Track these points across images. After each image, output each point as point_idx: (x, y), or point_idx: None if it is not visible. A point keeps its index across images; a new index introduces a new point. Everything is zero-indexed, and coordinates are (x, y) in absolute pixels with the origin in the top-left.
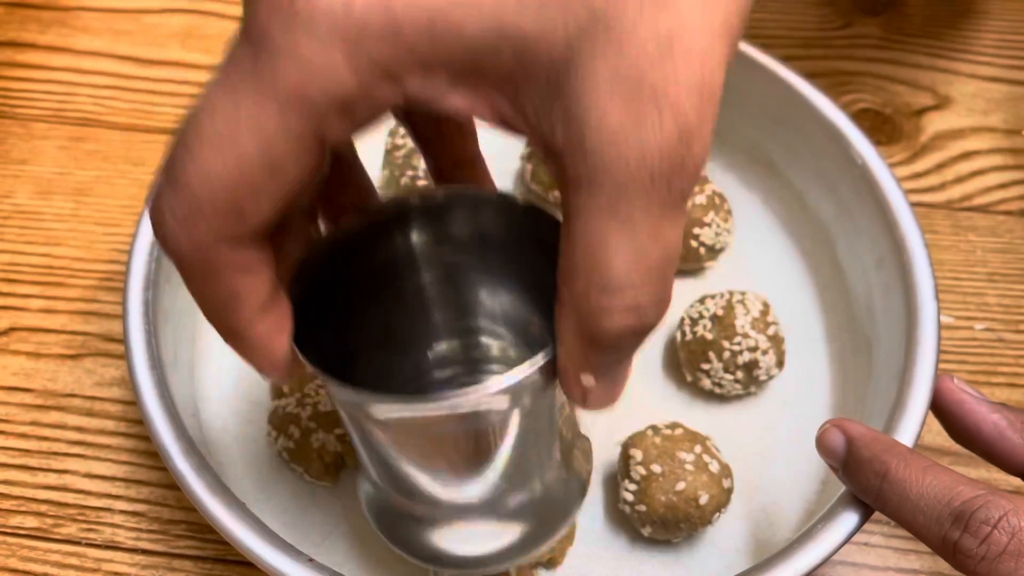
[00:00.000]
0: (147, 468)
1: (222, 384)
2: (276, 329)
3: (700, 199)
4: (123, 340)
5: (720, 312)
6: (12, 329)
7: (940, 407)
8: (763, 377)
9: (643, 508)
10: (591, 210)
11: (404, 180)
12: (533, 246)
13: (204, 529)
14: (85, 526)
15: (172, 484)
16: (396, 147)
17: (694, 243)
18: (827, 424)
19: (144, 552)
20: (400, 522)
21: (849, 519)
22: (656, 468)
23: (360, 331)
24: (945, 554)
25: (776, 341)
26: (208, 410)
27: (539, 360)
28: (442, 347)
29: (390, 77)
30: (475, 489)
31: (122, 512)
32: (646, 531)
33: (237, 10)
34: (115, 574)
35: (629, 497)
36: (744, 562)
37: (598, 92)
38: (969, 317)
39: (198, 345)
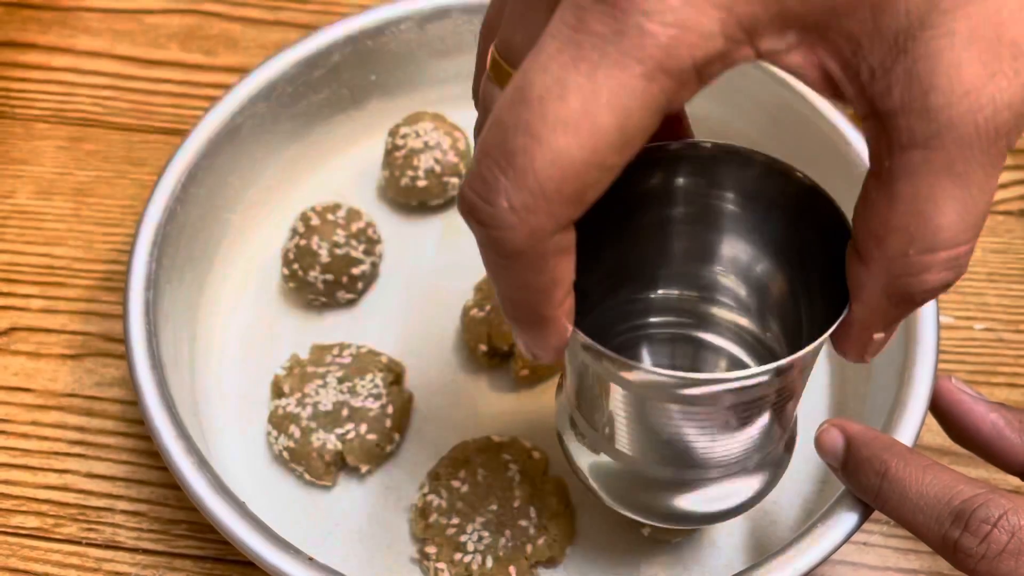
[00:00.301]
0: (148, 468)
1: (222, 384)
2: (571, 307)
3: None
4: (124, 340)
5: None
6: (12, 329)
7: (938, 407)
8: None
9: None
10: (925, 168)
11: (404, 181)
12: (787, 212)
13: (205, 529)
14: (86, 526)
15: (173, 484)
16: (396, 147)
17: None
18: (826, 424)
19: (145, 552)
20: (636, 489)
21: (848, 518)
22: None
23: (588, 264)
24: (945, 553)
25: None
26: (208, 410)
27: (830, 329)
28: (672, 292)
29: (750, 37)
30: (725, 454)
31: (123, 512)
32: (646, 530)
33: (237, 11)
34: (116, 574)
35: None
36: (744, 561)
37: (953, 48)
38: (969, 317)
39: (198, 345)
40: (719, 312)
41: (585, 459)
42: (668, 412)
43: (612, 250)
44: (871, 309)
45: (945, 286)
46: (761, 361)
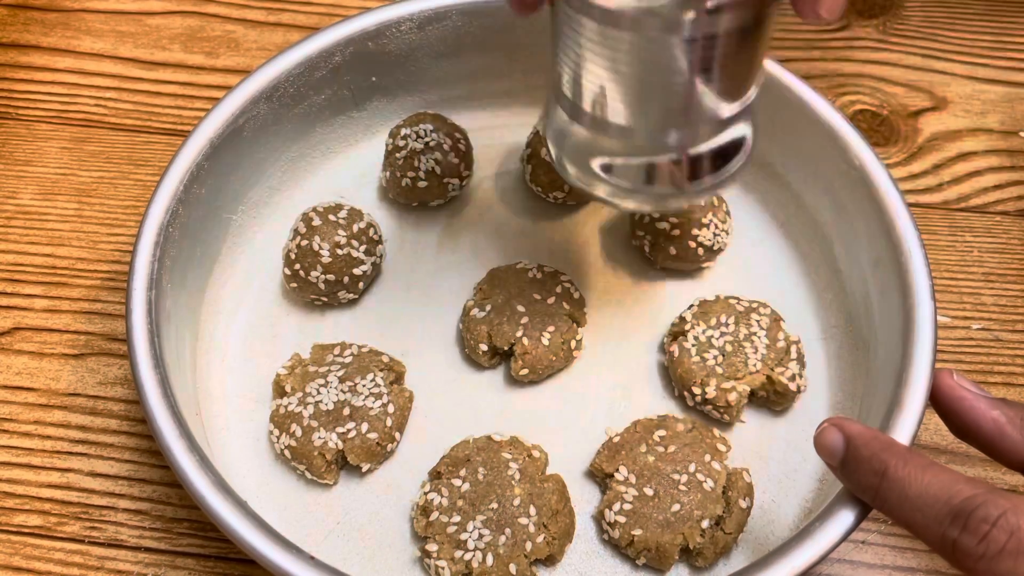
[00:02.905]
0: (150, 467)
1: (224, 383)
2: None
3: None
4: (126, 339)
5: (729, 347)
6: (16, 329)
7: (939, 404)
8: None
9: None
10: None
11: (405, 182)
12: None
13: (207, 527)
14: (88, 524)
15: (175, 482)
16: (397, 148)
17: (692, 244)
18: (825, 423)
19: (147, 550)
20: (585, 154)
21: (846, 517)
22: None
23: None
24: (944, 552)
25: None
26: (210, 409)
27: None
28: None
29: None
30: (704, 98)
31: (125, 510)
32: (640, 561)
33: (239, 12)
34: (118, 572)
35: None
36: (742, 560)
37: None
38: (966, 317)
39: (200, 344)
40: None
41: (552, 129)
42: (652, 48)
43: None
44: None
45: None
46: None
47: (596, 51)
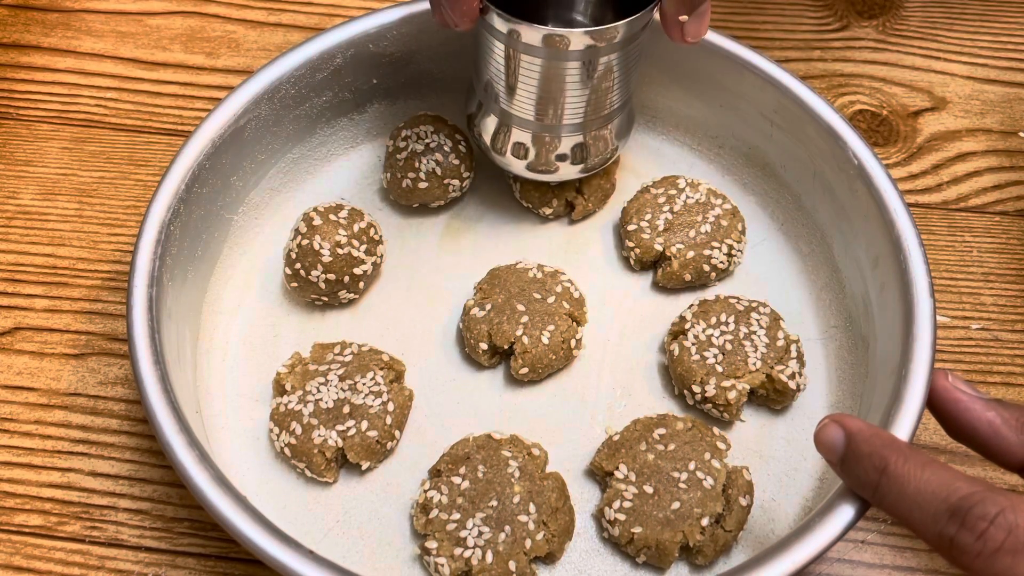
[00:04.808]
0: (150, 466)
1: (224, 381)
2: None
3: (721, 220)
4: (127, 336)
5: (729, 346)
6: (17, 328)
7: (935, 405)
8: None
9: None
10: None
11: (406, 183)
12: None
13: (207, 527)
14: (89, 524)
15: (175, 482)
16: (398, 149)
17: (706, 267)
18: (826, 419)
19: (147, 550)
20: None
21: (845, 513)
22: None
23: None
24: (941, 549)
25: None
26: (211, 407)
27: (653, 6)
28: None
29: None
30: (576, 110)
31: (126, 510)
32: (640, 559)
33: (239, 12)
34: (118, 571)
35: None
36: (742, 558)
37: None
38: (965, 317)
39: (201, 343)
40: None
41: (489, 127)
42: (556, 69)
43: None
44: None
45: None
46: None
47: (519, 69)
